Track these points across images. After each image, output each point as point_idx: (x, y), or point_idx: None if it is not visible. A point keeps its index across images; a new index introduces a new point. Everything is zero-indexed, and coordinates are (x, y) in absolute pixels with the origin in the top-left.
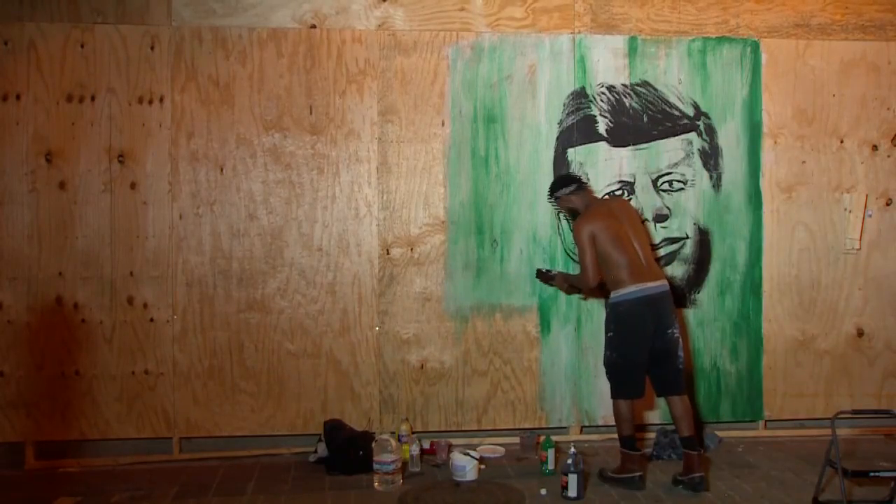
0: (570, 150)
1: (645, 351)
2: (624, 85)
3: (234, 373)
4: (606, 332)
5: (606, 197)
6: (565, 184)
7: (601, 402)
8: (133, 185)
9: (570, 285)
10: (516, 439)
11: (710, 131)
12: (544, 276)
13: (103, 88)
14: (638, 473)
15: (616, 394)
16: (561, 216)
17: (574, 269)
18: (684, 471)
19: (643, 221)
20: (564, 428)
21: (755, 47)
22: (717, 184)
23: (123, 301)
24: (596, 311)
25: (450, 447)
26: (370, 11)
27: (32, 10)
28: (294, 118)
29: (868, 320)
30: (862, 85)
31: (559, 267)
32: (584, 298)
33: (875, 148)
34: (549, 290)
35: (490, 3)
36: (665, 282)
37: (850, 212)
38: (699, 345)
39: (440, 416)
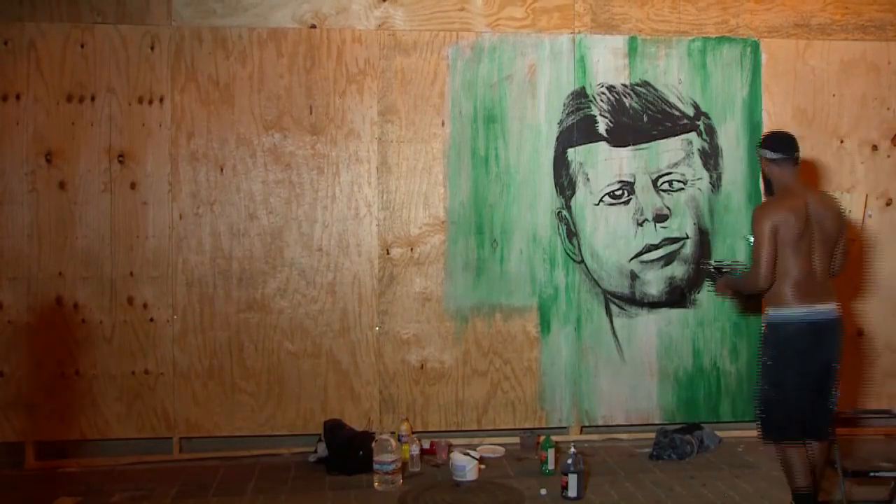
0: (570, 150)
1: (808, 385)
2: (624, 85)
3: (234, 373)
4: (762, 360)
5: (811, 187)
6: (777, 147)
7: (601, 402)
8: (133, 185)
9: (733, 289)
10: (516, 439)
11: (710, 131)
12: (715, 274)
13: (103, 88)
14: None
15: (770, 434)
16: (561, 216)
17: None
18: None
19: (838, 229)
20: (564, 428)
21: (755, 47)
22: (717, 184)
23: (123, 301)
24: (596, 312)
25: (450, 447)
26: (370, 11)
27: (32, 10)
28: (294, 118)
29: (868, 320)
30: (862, 85)
31: (560, 266)
32: (742, 307)
33: (875, 148)
34: (550, 290)
35: (490, 3)
36: (836, 306)
37: (850, 212)
38: (699, 345)
39: (440, 416)
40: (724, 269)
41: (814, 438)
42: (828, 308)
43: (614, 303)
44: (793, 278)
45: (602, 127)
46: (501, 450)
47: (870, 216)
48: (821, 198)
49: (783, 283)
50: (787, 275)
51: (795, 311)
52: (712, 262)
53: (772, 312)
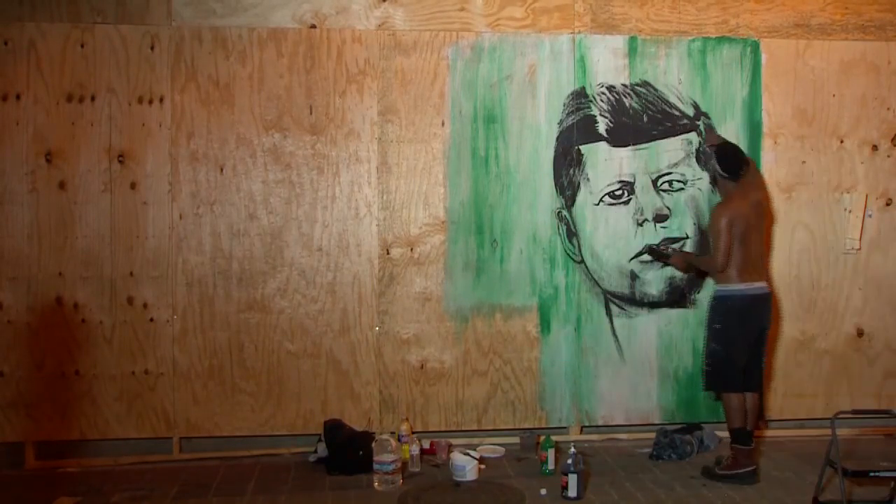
0: (570, 150)
1: (747, 346)
2: (624, 85)
3: (234, 373)
4: (711, 324)
5: (748, 178)
6: (729, 171)
7: (601, 402)
8: (133, 185)
9: (689, 264)
10: (516, 439)
11: (711, 131)
12: (658, 254)
13: (103, 88)
14: (752, 467)
15: (720, 387)
16: (561, 216)
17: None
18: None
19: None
20: (564, 428)
21: (755, 47)
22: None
23: (123, 301)
24: (596, 312)
25: (450, 447)
26: (370, 11)
27: (32, 10)
28: (294, 118)
29: (868, 320)
30: (862, 85)
31: (560, 266)
32: (698, 278)
33: (875, 148)
34: (550, 290)
35: (490, 3)
36: (766, 283)
37: (850, 212)
38: (699, 345)
39: (440, 416)
40: (661, 249)
41: (749, 391)
42: (762, 285)
43: (614, 303)
44: (739, 263)
45: (602, 127)
46: (501, 450)
47: (870, 216)
48: (759, 193)
49: (732, 266)
50: (735, 260)
51: (740, 287)
52: (653, 245)
53: (721, 287)
